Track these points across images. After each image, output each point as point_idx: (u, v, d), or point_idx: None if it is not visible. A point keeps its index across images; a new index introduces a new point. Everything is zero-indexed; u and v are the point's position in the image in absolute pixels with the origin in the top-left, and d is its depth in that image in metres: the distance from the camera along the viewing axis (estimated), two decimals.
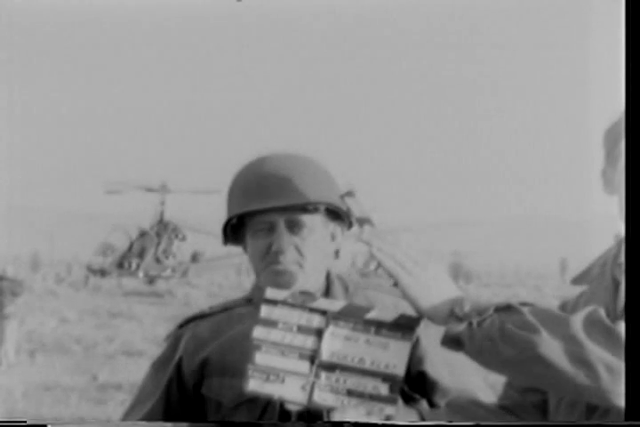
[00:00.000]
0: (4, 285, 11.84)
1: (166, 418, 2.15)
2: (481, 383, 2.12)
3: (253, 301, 2.14)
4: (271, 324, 1.82)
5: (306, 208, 2.03)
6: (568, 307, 1.86)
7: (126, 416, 2.18)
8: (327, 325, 1.81)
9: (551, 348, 1.59)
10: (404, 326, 1.81)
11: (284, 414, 1.99)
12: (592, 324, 1.60)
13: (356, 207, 1.87)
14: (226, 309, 2.19)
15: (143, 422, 2.14)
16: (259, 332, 1.82)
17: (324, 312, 1.82)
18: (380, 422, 1.78)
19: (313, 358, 1.80)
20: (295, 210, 2.03)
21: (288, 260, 2.02)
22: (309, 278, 2.06)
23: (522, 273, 65.04)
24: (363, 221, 1.84)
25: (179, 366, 2.15)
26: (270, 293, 1.85)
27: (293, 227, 2.03)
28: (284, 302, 1.83)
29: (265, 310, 1.83)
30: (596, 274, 1.82)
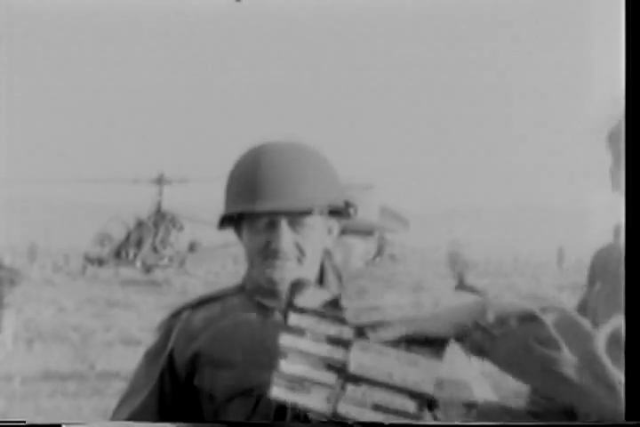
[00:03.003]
0: (1, 274, 11.84)
1: (160, 409, 2.13)
2: (476, 375, 2.12)
3: (245, 289, 2.14)
4: (299, 332, 1.78)
5: (310, 211, 2.02)
6: (589, 307, 1.85)
7: (120, 406, 2.16)
8: (357, 337, 1.78)
9: (573, 367, 1.57)
10: (436, 344, 1.76)
11: (279, 408, 1.99)
12: (616, 342, 1.59)
13: None
14: (218, 297, 2.18)
15: (144, 423, 2.13)
16: (286, 339, 1.78)
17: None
18: (384, 422, 1.77)
19: (340, 369, 1.76)
20: (299, 213, 2.01)
21: (288, 257, 2.02)
22: (309, 272, 2.06)
23: (520, 262, 65.04)
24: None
25: (171, 358, 2.14)
26: (300, 300, 1.82)
27: (295, 225, 2.02)
28: (313, 312, 1.80)
29: (293, 318, 1.79)
30: (613, 270, 1.81)
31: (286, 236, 2.01)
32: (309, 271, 2.06)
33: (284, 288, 2.04)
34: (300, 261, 2.04)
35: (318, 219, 2.05)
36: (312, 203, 2.01)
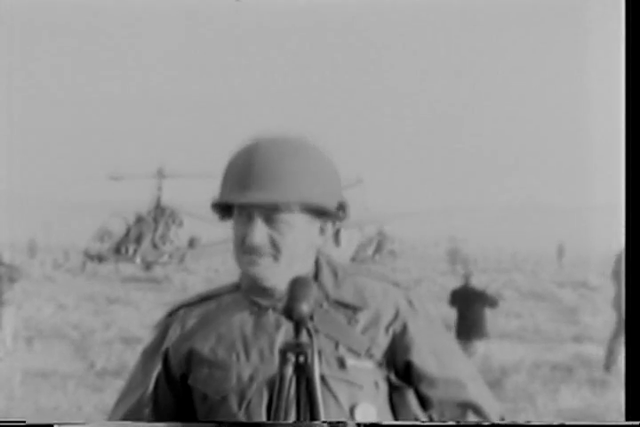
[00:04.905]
0: (0, 271, 11.82)
1: (154, 408, 2.13)
2: (469, 372, 2.10)
3: (241, 287, 2.12)
4: None
5: (282, 207, 1.98)
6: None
7: (117, 404, 2.17)
8: None
9: None
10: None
11: (276, 407, 1.97)
12: None
13: None
14: (214, 295, 2.16)
15: (142, 424, 2.12)
16: None
17: None
18: (382, 422, 1.76)
19: None
20: (273, 207, 1.99)
21: (262, 252, 1.99)
22: (287, 271, 2.02)
23: (519, 258, 65.08)
24: None
25: (166, 356, 2.13)
26: None
27: (271, 221, 1.99)
28: None
29: None
30: None
31: (259, 230, 1.98)
32: (289, 268, 2.01)
33: (274, 286, 2.02)
34: (275, 258, 2.00)
35: (297, 218, 2.00)
36: (288, 199, 1.97)
